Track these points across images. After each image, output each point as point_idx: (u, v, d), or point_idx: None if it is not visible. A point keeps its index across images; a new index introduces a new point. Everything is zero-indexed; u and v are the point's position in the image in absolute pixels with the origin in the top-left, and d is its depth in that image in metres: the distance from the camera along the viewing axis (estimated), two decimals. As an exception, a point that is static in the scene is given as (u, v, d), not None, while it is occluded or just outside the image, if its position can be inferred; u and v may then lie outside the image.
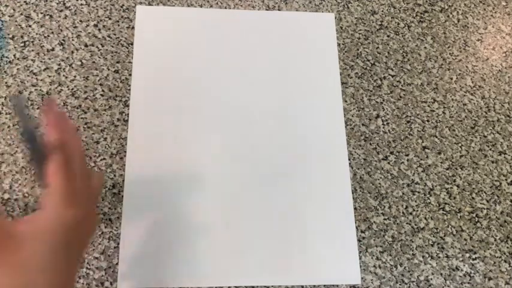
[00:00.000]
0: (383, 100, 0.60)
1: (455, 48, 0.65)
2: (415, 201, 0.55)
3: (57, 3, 0.59)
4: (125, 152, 0.53)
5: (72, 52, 0.57)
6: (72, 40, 0.57)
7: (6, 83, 0.54)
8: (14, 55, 0.55)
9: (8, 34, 0.56)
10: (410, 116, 0.60)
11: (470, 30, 0.66)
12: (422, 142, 0.59)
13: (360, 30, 0.64)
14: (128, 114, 0.54)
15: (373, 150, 0.57)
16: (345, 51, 0.62)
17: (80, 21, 0.58)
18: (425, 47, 0.64)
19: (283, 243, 0.51)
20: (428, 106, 0.61)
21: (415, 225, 0.54)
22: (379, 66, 0.62)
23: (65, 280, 0.34)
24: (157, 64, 0.57)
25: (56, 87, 0.55)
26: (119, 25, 0.59)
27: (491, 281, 0.53)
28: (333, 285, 0.50)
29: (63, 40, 0.57)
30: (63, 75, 0.55)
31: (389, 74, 0.61)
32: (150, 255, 0.49)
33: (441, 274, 0.52)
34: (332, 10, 0.64)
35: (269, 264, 0.50)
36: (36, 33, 0.57)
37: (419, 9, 0.66)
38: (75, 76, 0.56)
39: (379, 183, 0.56)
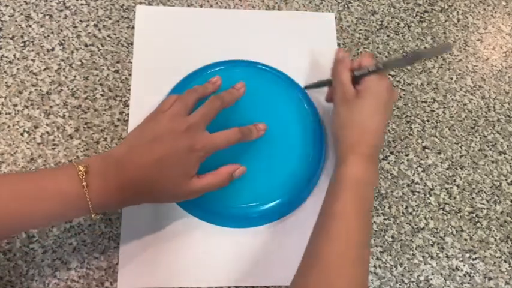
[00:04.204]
0: (383, 100, 0.60)
1: (455, 48, 0.65)
2: (415, 201, 0.55)
3: (57, 3, 0.59)
4: (125, 152, 0.53)
5: (72, 52, 0.57)
6: (72, 40, 0.57)
7: (6, 83, 0.54)
8: (14, 55, 0.55)
9: (8, 34, 0.56)
10: (410, 116, 0.60)
11: (470, 30, 0.66)
12: (422, 142, 0.59)
13: (360, 30, 0.64)
14: (128, 114, 0.54)
15: (373, 150, 0.57)
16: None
17: (80, 21, 0.58)
18: (425, 47, 0.64)
19: (283, 244, 0.51)
20: (428, 106, 0.61)
21: (415, 225, 0.54)
22: (379, 66, 0.62)
23: None
24: (157, 64, 0.57)
25: (56, 87, 0.55)
26: (118, 25, 0.59)
27: (491, 281, 0.53)
28: (333, 285, 0.50)
29: (63, 40, 0.57)
30: (63, 75, 0.55)
31: (389, 74, 0.61)
32: (150, 255, 0.49)
33: (441, 274, 0.52)
34: (332, 10, 0.64)
35: (268, 264, 0.50)
36: (36, 33, 0.57)
37: (419, 9, 0.66)
38: (75, 76, 0.56)
39: (379, 183, 0.56)
